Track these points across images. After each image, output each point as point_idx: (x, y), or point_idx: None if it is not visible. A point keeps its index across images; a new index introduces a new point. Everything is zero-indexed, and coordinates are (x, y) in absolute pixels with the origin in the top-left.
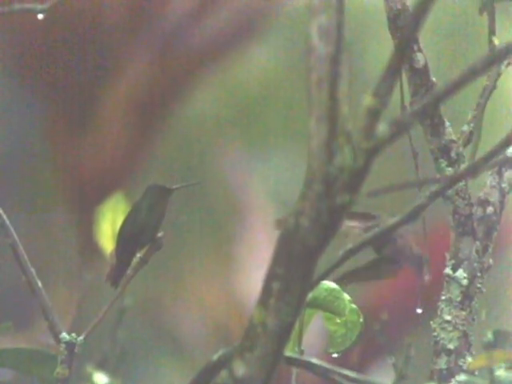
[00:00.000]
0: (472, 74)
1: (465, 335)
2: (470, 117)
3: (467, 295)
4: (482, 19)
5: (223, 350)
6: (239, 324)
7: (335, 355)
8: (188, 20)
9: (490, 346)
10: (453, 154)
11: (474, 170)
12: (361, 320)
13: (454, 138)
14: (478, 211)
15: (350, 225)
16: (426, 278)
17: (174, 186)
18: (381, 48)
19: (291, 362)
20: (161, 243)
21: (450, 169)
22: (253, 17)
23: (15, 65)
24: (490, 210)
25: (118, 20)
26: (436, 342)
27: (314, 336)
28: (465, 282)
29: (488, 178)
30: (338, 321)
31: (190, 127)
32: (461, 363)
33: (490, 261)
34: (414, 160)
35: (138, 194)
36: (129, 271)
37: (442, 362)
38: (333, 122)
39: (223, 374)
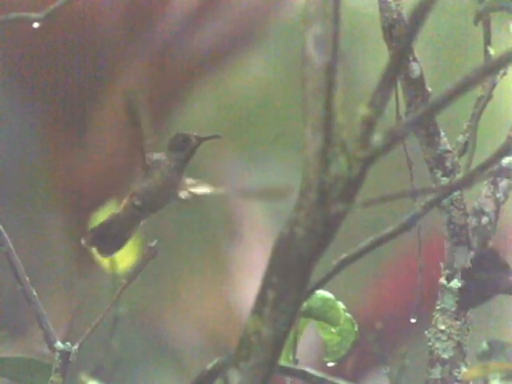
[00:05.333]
0: (467, 84)
1: (459, 345)
2: (465, 127)
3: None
4: (477, 29)
5: (218, 358)
6: (235, 333)
7: (331, 364)
8: (187, 22)
9: (484, 356)
10: (448, 164)
11: (469, 180)
12: (355, 329)
13: (449, 148)
14: (472, 221)
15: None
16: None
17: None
18: (376, 58)
19: (286, 371)
20: (155, 252)
21: (445, 179)
22: (250, 24)
23: (14, 66)
24: (485, 219)
25: (117, 22)
26: (431, 352)
27: (308, 346)
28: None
29: (483, 188)
30: (333, 330)
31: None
32: (455, 373)
33: None
34: (409, 170)
35: None
36: (123, 280)
37: (437, 372)
38: (328, 132)
39: (218, 383)
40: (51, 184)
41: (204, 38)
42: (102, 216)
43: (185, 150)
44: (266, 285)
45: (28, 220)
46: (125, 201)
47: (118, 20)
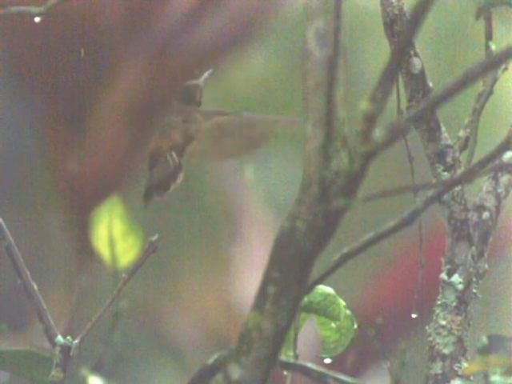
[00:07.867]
0: (469, 79)
1: (460, 340)
2: (466, 122)
3: (463, 300)
4: (479, 24)
5: (219, 353)
6: (235, 330)
7: (327, 360)
8: (187, 21)
9: (484, 351)
10: (449, 159)
11: (470, 175)
12: (355, 326)
13: (450, 143)
14: (473, 216)
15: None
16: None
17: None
18: (378, 53)
19: (286, 366)
20: (155, 246)
21: (446, 174)
22: (250, 20)
23: (14, 65)
24: (485, 215)
25: (117, 21)
26: (431, 347)
27: (309, 341)
28: (460, 287)
29: (484, 183)
30: (333, 325)
31: None
32: (456, 368)
33: (486, 266)
34: (410, 165)
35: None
36: (124, 274)
37: (437, 367)
38: (329, 127)
39: (218, 377)
40: (51, 184)
41: (204, 37)
42: (103, 215)
43: (195, 100)
44: (266, 280)
45: (28, 219)
46: (169, 154)
47: (118, 20)
